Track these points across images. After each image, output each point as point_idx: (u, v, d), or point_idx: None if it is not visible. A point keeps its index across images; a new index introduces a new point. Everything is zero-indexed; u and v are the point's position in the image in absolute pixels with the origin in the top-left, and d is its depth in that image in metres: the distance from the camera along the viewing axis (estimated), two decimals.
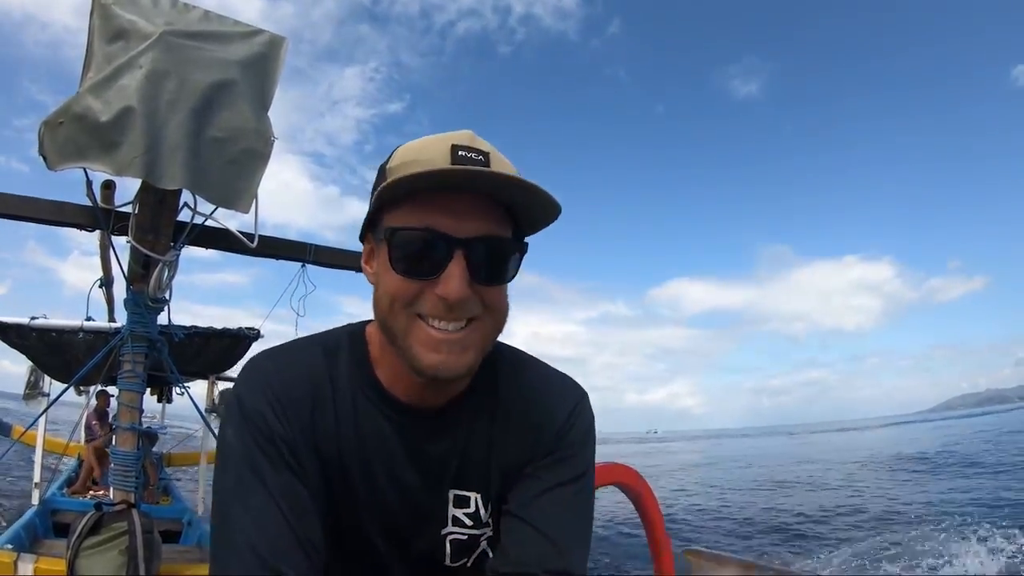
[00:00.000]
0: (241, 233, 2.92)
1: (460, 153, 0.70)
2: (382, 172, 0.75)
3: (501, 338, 0.80)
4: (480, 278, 0.71)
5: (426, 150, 0.71)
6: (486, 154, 0.71)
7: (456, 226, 0.69)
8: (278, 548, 0.69)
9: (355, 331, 0.86)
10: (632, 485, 3.12)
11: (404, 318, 0.72)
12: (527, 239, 0.77)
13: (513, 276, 0.76)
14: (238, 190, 2.58)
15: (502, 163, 0.73)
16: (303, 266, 3.27)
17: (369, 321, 0.86)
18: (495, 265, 0.73)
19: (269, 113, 2.76)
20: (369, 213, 0.76)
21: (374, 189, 0.76)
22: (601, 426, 0.91)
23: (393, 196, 0.70)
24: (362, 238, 0.81)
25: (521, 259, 0.76)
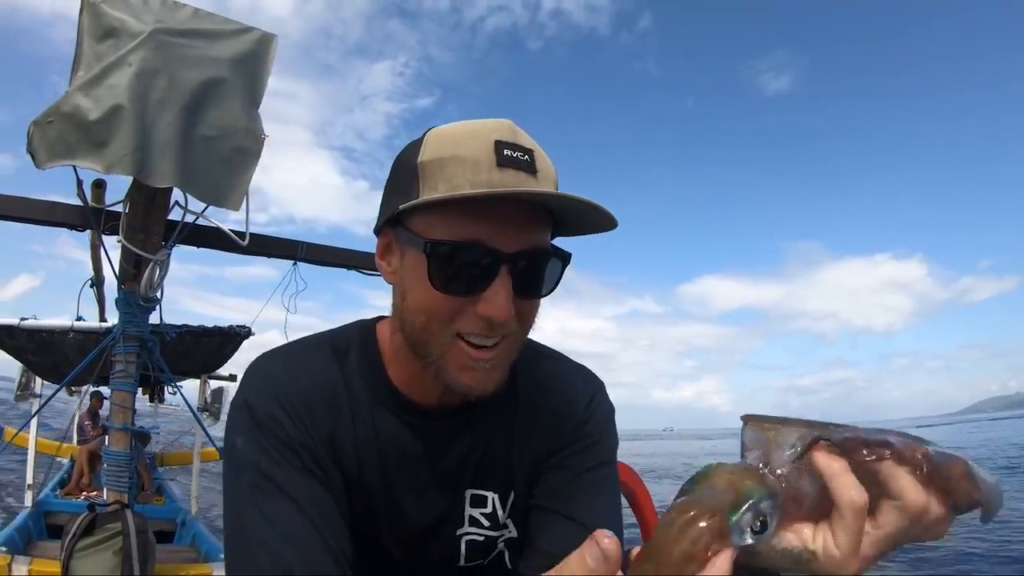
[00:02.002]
0: (232, 231, 2.91)
1: (505, 152, 0.64)
2: (413, 166, 0.66)
3: None
4: (522, 293, 0.66)
5: (466, 144, 0.64)
6: (531, 152, 0.66)
7: (502, 238, 0.64)
8: (309, 563, 0.63)
9: (365, 329, 0.81)
10: (626, 482, 3.14)
11: (441, 337, 0.67)
12: (566, 235, 0.73)
13: (553, 289, 0.71)
14: (228, 188, 2.58)
15: (543, 159, 0.68)
16: (295, 264, 3.27)
17: (379, 318, 0.82)
18: (538, 279, 0.68)
19: (259, 110, 2.75)
20: (391, 207, 0.68)
21: (396, 177, 0.70)
22: (622, 423, 0.90)
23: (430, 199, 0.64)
24: (378, 231, 0.74)
25: (563, 270, 0.71)
